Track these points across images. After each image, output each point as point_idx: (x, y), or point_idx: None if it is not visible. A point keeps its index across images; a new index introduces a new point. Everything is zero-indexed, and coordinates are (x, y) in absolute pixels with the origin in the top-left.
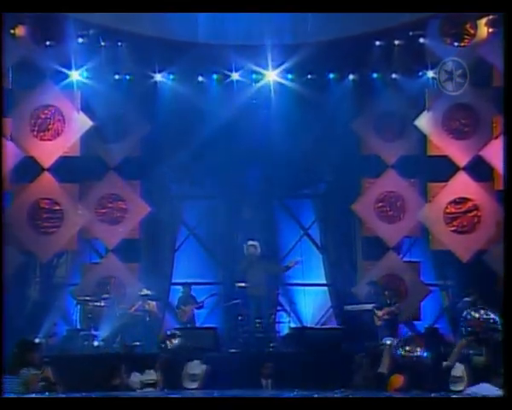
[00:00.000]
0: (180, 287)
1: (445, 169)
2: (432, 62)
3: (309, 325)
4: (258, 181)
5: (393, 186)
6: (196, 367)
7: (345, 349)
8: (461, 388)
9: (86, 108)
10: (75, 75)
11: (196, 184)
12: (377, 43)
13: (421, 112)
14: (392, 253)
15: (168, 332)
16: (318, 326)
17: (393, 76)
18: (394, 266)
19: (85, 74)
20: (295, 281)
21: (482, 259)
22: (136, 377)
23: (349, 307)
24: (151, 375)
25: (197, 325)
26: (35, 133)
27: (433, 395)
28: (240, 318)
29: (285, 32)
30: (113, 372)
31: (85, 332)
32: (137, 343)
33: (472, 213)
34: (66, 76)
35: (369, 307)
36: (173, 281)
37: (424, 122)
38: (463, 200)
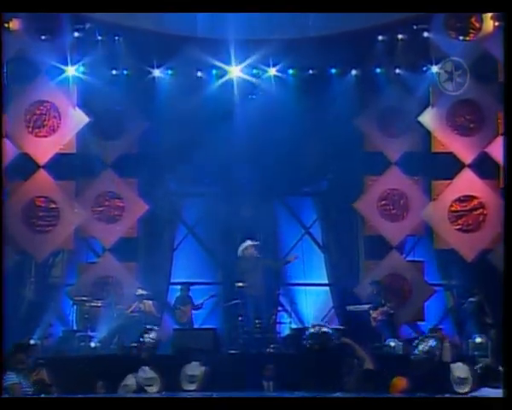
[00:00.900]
0: (179, 287)
1: (449, 166)
2: (436, 57)
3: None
4: (258, 178)
5: (397, 184)
6: (195, 369)
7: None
8: (466, 390)
9: (82, 104)
10: (71, 70)
11: (195, 182)
12: (380, 37)
13: (425, 108)
14: (396, 252)
15: (147, 326)
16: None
17: (397, 71)
18: (397, 266)
19: (82, 69)
20: (296, 281)
21: (488, 258)
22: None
23: (352, 308)
24: (150, 374)
25: (196, 325)
26: (30, 130)
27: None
28: (240, 318)
29: (286, 26)
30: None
31: (82, 333)
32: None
33: (477, 212)
34: (62, 71)
35: (366, 307)
36: (172, 281)
37: (428, 118)
38: (468, 198)
